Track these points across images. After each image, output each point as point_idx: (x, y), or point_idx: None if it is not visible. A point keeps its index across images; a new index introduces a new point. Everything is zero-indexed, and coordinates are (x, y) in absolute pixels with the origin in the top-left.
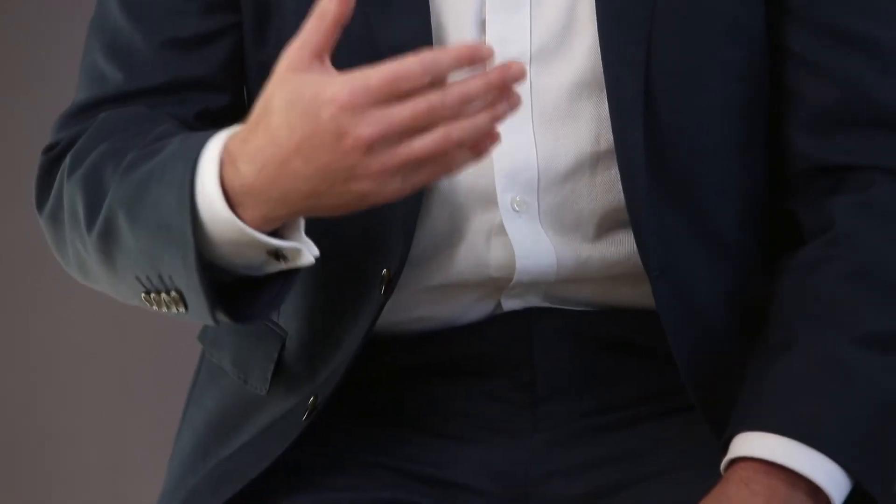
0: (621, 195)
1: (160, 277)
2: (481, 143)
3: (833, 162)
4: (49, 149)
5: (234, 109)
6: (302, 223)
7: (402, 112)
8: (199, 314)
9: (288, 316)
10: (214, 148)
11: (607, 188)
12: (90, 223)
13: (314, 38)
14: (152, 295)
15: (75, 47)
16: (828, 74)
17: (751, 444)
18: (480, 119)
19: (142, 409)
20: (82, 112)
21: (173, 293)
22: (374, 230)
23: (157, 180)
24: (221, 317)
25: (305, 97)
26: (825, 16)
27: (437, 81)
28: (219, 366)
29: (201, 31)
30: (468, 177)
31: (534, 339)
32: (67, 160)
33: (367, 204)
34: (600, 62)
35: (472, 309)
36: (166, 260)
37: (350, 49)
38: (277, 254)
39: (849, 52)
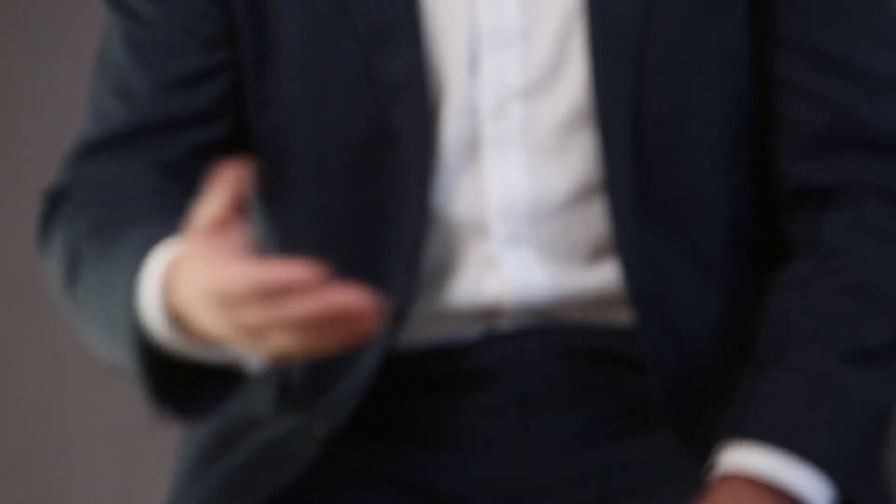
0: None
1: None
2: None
3: (822, 183)
4: (50, 191)
5: (228, 143)
6: None
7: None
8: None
9: None
10: (156, 269)
11: (600, 217)
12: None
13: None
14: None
15: (76, 51)
16: (816, 99)
17: (738, 459)
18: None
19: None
20: (88, 152)
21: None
22: (378, 265)
23: (102, 289)
24: (168, 412)
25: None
26: (812, 41)
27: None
28: None
29: (200, 67)
30: (463, 209)
31: (525, 356)
32: (60, 220)
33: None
34: (591, 95)
35: (465, 332)
36: (120, 349)
37: (348, 83)
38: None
39: (836, 77)
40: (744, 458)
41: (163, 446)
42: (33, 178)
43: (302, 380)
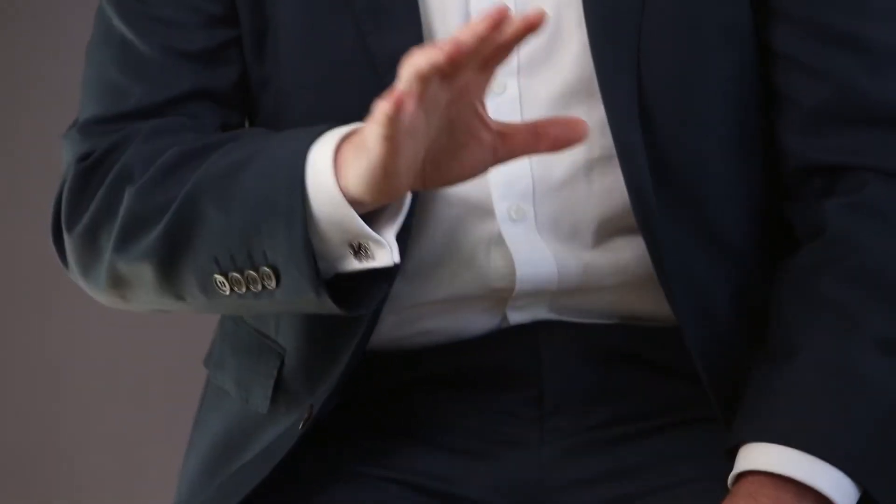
0: (620, 201)
1: (250, 255)
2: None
3: (825, 162)
4: (82, 158)
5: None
6: (393, 228)
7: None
8: (292, 289)
9: (285, 332)
10: (335, 135)
11: (605, 194)
12: (155, 221)
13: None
14: (232, 275)
15: (75, 54)
16: (817, 74)
17: (756, 456)
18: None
19: (153, 430)
20: (108, 123)
21: (265, 269)
22: None
23: (260, 159)
24: (323, 291)
25: None
26: (813, 15)
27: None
28: (222, 388)
29: (209, 45)
30: (463, 188)
31: (541, 352)
32: (122, 168)
33: (373, 142)
34: (589, 69)
35: (477, 322)
36: (265, 233)
37: (345, 63)
38: (358, 249)
39: (837, 51)
40: (763, 457)
41: (167, 453)
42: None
43: (296, 372)
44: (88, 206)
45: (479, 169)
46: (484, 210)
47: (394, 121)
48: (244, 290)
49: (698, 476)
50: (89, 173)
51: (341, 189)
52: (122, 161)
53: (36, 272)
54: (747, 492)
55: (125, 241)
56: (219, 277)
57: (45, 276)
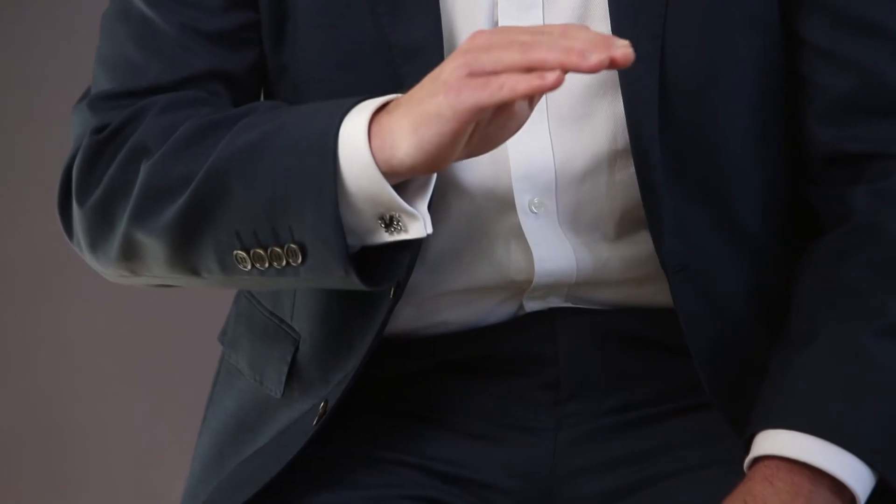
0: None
1: (274, 231)
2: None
3: (851, 150)
4: (97, 131)
5: None
6: (426, 198)
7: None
8: (319, 266)
9: (301, 318)
10: (369, 106)
11: (626, 187)
12: (174, 194)
13: None
14: (254, 251)
15: (76, 50)
16: (843, 62)
17: (773, 441)
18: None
19: (167, 408)
20: (123, 98)
21: (291, 245)
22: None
23: (286, 133)
24: (351, 268)
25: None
26: (838, 4)
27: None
28: (236, 367)
29: (228, 26)
30: (485, 180)
31: (557, 338)
32: (137, 141)
33: (451, 114)
34: None
35: (495, 311)
36: (292, 208)
37: (362, 52)
38: (389, 222)
39: (863, 39)
40: (780, 442)
41: (180, 437)
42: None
43: (310, 359)
44: (102, 178)
45: (520, 125)
46: (504, 203)
47: (526, 94)
48: (266, 265)
49: (708, 461)
50: (103, 146)
51: (379, 163)
52: (137, 134)
53: (43, 250)
54: (763, 476)
55: (142, 213)
56: (240, 253)
57: (49, 257)
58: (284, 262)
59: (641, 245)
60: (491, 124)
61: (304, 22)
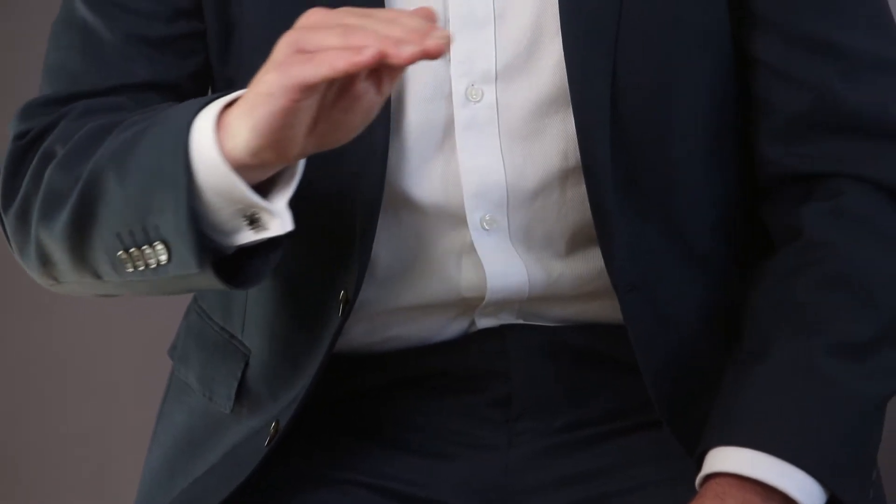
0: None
1: (144, 229)
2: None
3: (802, 170)
4: (19, 137)
5: None
6: (285, 196)
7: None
8: (182, 265)
9: (251, 334)
10: (220, 102)
11: (578, 204)
12: (67, 197)
13: None
14: (132, 251)
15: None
16: (795, 81)
17: (724, 459)
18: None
19: (122, 420)
20: (52, 105)
21: (158, 245)
22: (333, 251)
23: (153, 130)
24: (207, 266)
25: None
26: (790, 22)
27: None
28: (186, 382)
29: (171, 33)
30: (436, 196)
31: (509, 355)
32: (47, 146)
33: (280, 91)
34: (566, 77)
35: (446, 328)
36: (156, 206)
37: None
38: (252, 219)
39: (815, 58)
40: (730, 459)
41: (131, 452)
42: None
43: (260, 376)
44: (20, 185)
45: (368, 112)
46: (456, 219)
47: (334, 74)
48: (143, 266)
49: (660, 478)
50: (22, 153)
51: (226, 155)
52: (48, 140)
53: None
54: (714, 493)
55: (44, 218)
56: (123, 255)
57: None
58: (155, 262)
59: (593, 261)
60: (335, 108)
61: (249, 35)
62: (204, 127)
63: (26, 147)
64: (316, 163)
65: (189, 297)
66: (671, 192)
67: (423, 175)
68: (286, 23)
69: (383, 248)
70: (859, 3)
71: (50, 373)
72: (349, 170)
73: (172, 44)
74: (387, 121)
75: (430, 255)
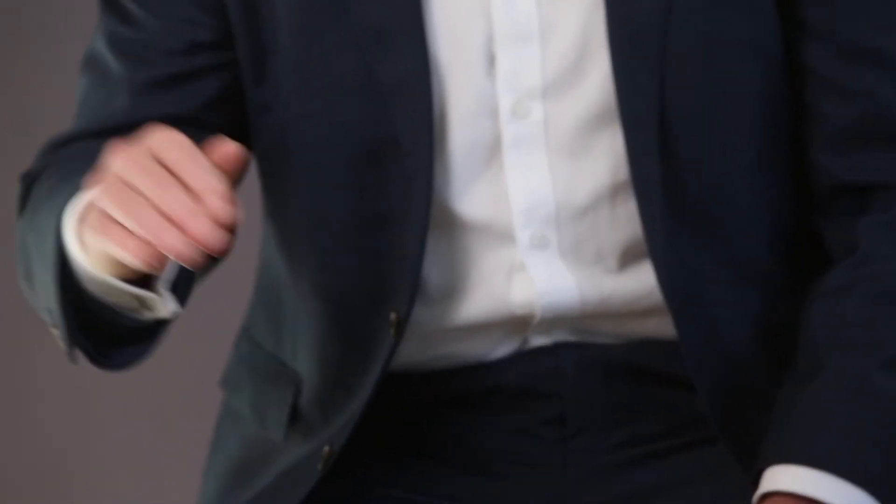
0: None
1: (49, 311)
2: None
3: (857, 181)
4: (24, 178)
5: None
6: (164, 277)
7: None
8: (67, 346)
9: (302, 359)
10: (78, 206)
11: (628, 220)
12: (21, 261)
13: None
14: (53, 329)
15: (71, 54)
16: (848, 92)
17: (781, 477)
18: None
19: (173, 449)
20: (64, 142)
21: (55, 325)
22: (382, 273)
23: (49, 207)
24: (74, 348)
25: None
26: (843, 32)
27: None
28: (238, 411)
29: (185, 69)
30: (484, 214)
31: (563, 372)
32: (31, 192)
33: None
34: (614, 92)
35: (499, 346)
36: (48, 287)
37: (348, 87)
38: (143, 302)
39: (868, 68)
40: (788, 478)
41: (185, 475)
42: None
43: (312, 401)
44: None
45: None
46: (505, 237)
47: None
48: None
49: (717, 496)
50: (23, 196)
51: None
52: (33, 187)
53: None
54: None
55: (19, 272)
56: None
57: None
58: (61, 340)
59: (645, 278)
60: None
61: (285, 59)
62: (69, 238)
63: (25, 190)
64: (359, 185)
65: (238, 327)
66: (723, 206)
67: (470, 193)
68: (324, 44)
69: (433, 267)
70: None
71: (102, 401)
72: (395, 191)
73: (188, 78)
74: (430, 139)
75: (480, 274)
